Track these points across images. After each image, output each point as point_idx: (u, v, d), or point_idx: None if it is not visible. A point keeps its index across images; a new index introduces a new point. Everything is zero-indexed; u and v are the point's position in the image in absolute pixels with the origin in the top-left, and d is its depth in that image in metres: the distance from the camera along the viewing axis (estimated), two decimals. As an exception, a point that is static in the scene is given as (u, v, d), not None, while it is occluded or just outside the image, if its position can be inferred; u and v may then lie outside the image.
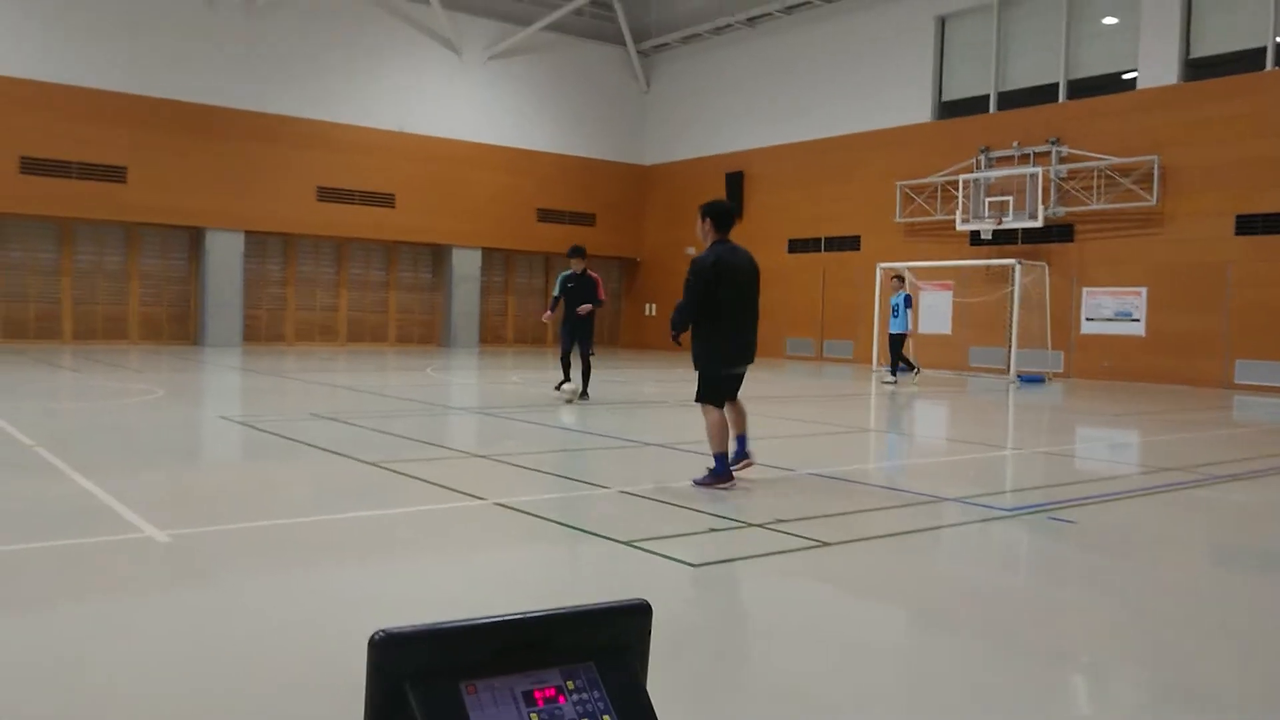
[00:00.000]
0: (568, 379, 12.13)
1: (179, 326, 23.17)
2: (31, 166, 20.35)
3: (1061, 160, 19.28)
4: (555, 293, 12.39)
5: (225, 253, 22.71)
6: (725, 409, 6.58)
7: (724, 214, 6.56)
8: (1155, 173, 17.90)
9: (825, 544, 5.00)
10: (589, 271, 12.11)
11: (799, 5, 24.21)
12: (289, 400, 12.29)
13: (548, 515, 5.63)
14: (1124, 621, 4.06)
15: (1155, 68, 18.30)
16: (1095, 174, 18.79)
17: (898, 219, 21.99)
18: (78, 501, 5.63)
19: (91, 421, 9.69)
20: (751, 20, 25.45)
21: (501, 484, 6.66)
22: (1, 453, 7.29)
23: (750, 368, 6.68)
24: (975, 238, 20.48)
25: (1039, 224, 19.02)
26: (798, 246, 24.50)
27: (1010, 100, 20.60)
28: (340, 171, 23.89)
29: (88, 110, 20.76)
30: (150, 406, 10.81)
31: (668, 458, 7.66)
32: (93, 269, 22.20)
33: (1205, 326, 17.46)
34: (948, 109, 21.78)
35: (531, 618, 1.14)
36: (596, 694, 1.14)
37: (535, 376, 15.31)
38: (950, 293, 21.10)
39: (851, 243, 23.31)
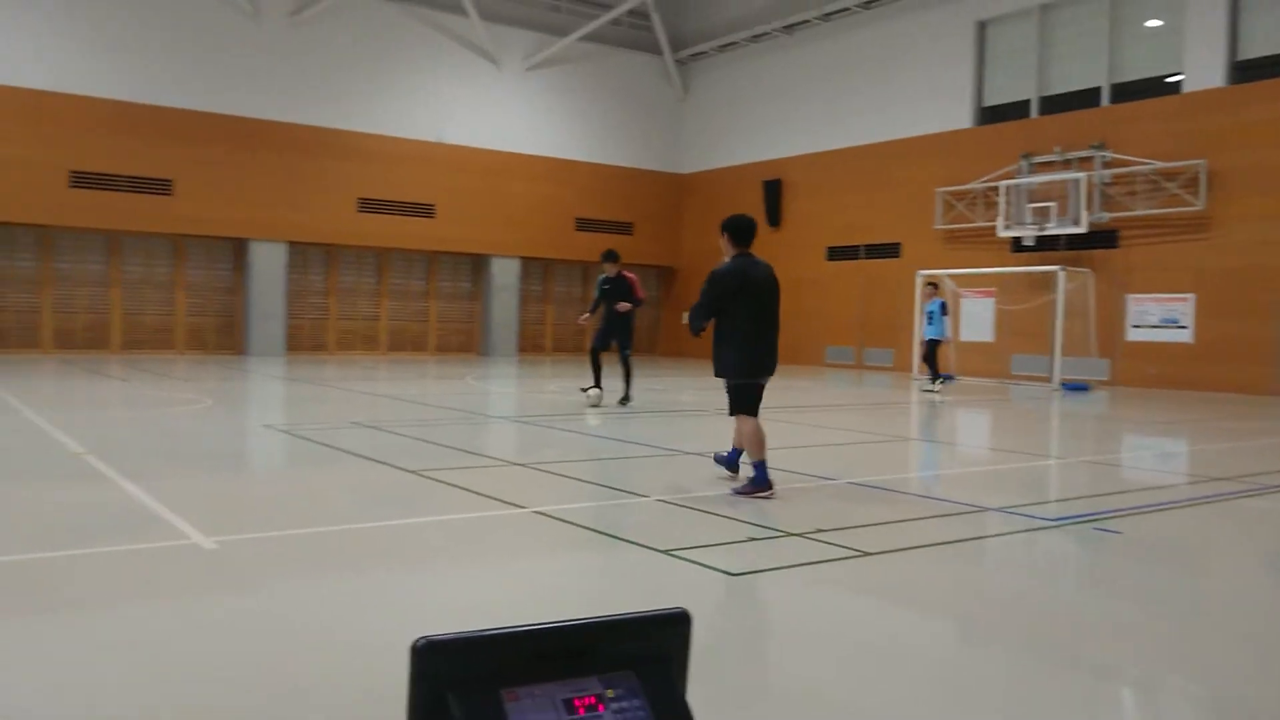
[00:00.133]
0: (597, 384, 12.27)
1: (224, 336, 23.53)
2: (81, 180, 20.80)
3: (1105, 165, 19.00)
4: (595, 295, 12.70)
5: (269, 264, 23.07)
6: (738, 421, 6.68)
7: (741, 229, 6.72)
8: (1202, 177, 17.60)
9: (866, 553, 4.96)
10: (624, 273, 12.37)
11: (837, 12, 24.11)
12: (331, 409, 12.43)
13: (586, 523, 5.64)
14: (1172, 635, 3.99)
15: (1201, 70, 18.00)
16: (1140, 179, 18.50)
17: (938, 226, 21.80)
18: (126, 508, 5.74)
19: (140, 430, 9.87)
20: (789, 28, 25.38)
21: (540, 492, 6.69)
22: (52, 460, 7.45)
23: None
24: (1017, 244, 20.24)
25: (1083, 229, 18.77)
26: (837, 254, 24.33)
27: (1052, 105, 20.35)
28: (380, 183, 24.17)
29: (135, 125, 21.19)
30: (196, 415, 10.98)
31: (706, 466, 7.64)
32: (140, 280, 22.60)
33: (1256, 333, 17.10)
34: (988, 114, 21.56)
35: (572, 626, 1.15)
36: (636, 702, 1.14)
37: (573, 385, 15.35)
38: (993, 300, 20.85)
39: (891, 250, 23.13)
